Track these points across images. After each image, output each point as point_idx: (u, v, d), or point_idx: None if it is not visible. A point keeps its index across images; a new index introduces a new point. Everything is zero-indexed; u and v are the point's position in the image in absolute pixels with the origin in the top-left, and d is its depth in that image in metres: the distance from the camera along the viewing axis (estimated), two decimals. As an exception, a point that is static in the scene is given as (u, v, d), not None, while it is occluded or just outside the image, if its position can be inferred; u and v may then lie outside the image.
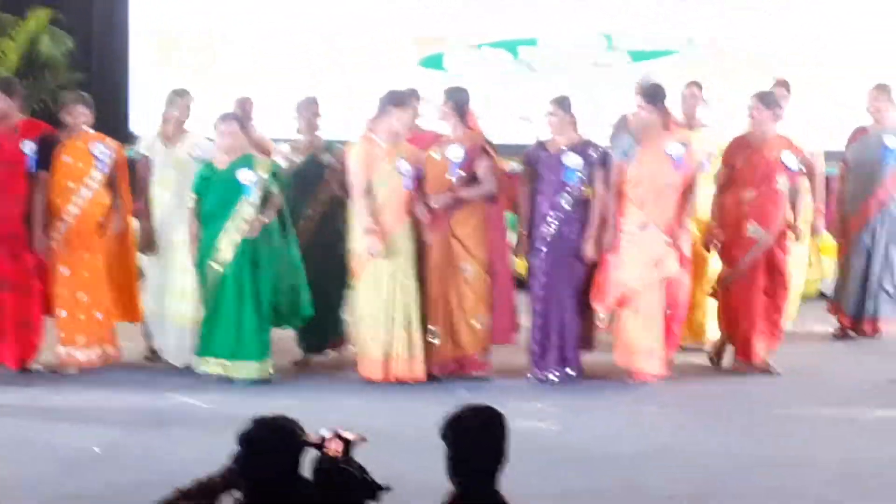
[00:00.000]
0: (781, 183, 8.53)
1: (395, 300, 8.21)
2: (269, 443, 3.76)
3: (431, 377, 8.28)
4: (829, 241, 10.99)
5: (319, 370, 8.68)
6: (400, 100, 8.33)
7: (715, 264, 8.90)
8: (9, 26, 12.76)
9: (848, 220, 9.73)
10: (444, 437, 3.80)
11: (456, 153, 8.33)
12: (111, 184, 8.50)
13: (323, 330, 8.73)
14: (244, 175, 8.09)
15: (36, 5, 12.78)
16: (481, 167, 8.32)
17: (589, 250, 8.29)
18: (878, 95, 9.65)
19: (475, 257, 8.35)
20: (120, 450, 6.94)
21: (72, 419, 7.50)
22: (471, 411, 3.85)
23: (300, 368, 8.70)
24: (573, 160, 8.31)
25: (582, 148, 8.37)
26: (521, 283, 8.73)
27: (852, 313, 9.75)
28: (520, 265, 8.99)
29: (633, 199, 8.31)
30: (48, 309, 8.44)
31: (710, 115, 9.33)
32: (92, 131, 8.53)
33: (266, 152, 8.82)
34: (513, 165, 9.05)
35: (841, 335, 9.81)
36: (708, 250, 8.82)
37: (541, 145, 8.48)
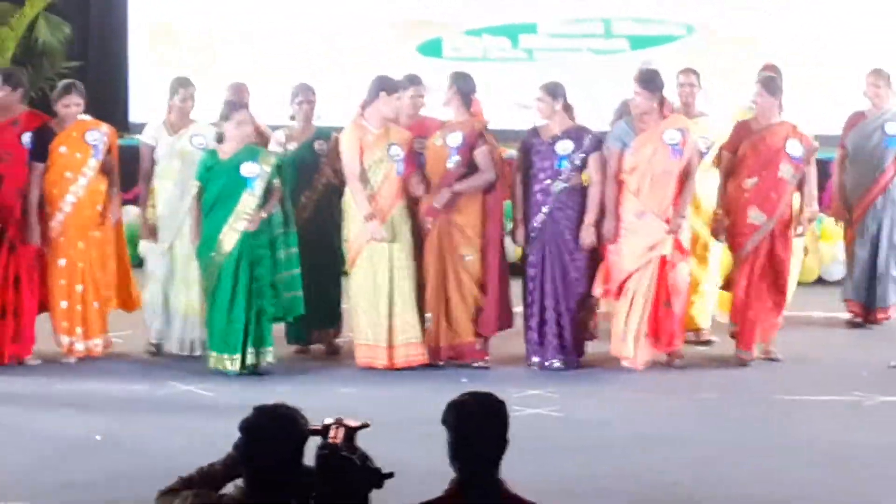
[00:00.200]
0: (784, 171, 8.49)
1: (392, 286, 8.21)
2: (271, 431, 3.76)
3: (430, 364, 8.27)
4: (827, 228, 11.00)
5: (319, 358, 8.67)
6: (390, 85, 8.30)
7: (727, 256, 8.87)
8: (6, 14, 12.73)
9: (851, 209, 9.67)
10: (446, 422, 3.81)
11: (455, 139, 8.30)
12: (105, 170, 8.47)
13: (316, 319, 8.66)
14: (248, 168, 8.04)
15: (33, -7, 12.77)
16: (479, 154, 8.27)
17: (586, 237, 8.28)
18: (876, 80, 9.56)
19: (475, 245, 8.33)
20: (120, 438, 6.95)
21: (72, 407, 7.50)
22: (472, 397, 3.86)
23: (300, 356, 8.68)
24: (566, 146, 8.27)
25: (576, 134, 8.31)
26: (517, 270, 8.72)
27: (864, 301, 9.70)
28: (516, 252, 8.98)
29: (629, 186, 8.28)
30: (45, 302, 8.40)
31: (709, 103, 9.27)
32: (88, 118, 8.51)
33: (265, 141, 8.78)
34: (511, 152, 9.03)
35: (853, 324, 9.74)
36: (717, 239, 8.79)
37: (534, 132, 8.41)
